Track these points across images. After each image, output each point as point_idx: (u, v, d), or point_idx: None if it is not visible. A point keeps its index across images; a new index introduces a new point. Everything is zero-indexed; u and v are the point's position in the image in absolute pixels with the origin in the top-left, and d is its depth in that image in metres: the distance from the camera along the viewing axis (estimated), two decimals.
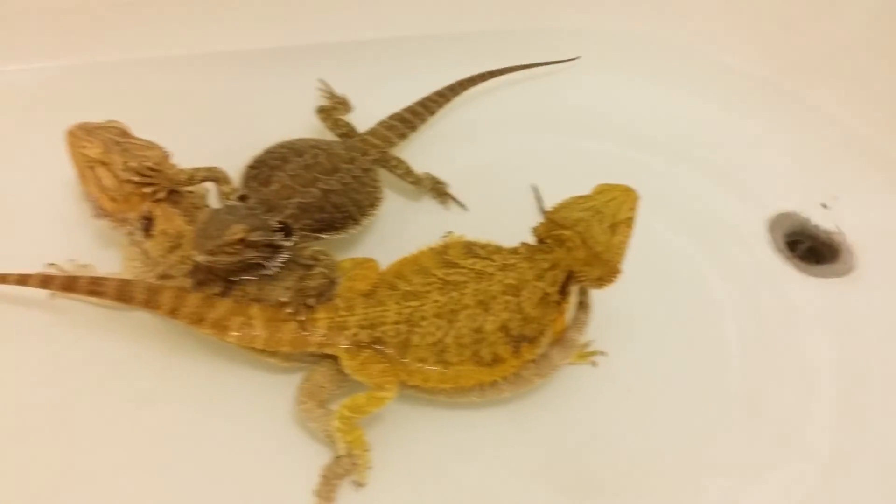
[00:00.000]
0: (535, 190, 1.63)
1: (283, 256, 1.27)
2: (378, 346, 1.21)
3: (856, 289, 1.56)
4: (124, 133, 1.31)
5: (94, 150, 1.26)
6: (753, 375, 1.41)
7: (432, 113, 1.66)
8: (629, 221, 1.28)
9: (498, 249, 1.30)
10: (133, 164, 1.26)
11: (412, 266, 1.28)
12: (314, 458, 1.22)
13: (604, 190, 1.30)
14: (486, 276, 1.24)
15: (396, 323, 1.21)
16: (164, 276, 1.29)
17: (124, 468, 1.19)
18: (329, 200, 1.36)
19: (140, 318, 1.33)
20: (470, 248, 1.30)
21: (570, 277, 1.29)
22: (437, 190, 1.60)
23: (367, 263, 1.32)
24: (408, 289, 1.24)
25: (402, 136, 1.59)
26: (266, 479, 1.21)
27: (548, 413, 1.34)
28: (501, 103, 1.81)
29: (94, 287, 1.21)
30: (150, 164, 1.27)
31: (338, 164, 1.41)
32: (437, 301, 1.22)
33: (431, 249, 1.30)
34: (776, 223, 1.66)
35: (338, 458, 1.21)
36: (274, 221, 1.26)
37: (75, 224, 1.42)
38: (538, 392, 1.34)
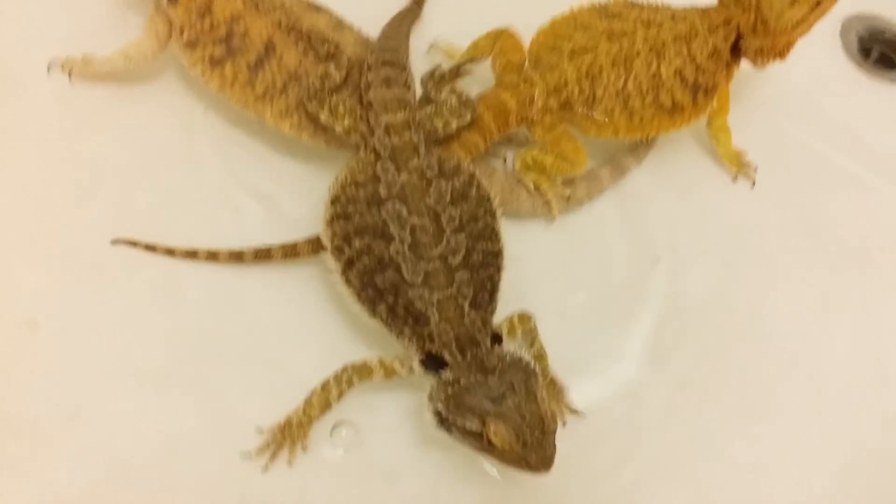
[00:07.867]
0: None
1: None
2: (567, 111, 1.16)
3: None
4: None
5: None
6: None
7: None
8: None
9: (665, 5, 1.21)
10: None
11: (569, 25, 1.19)
12: None
13: None
14: (655, 25, 1.18)
15: (578, 80, 1.15)
16: (191, 44, 1.15)
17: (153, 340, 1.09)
18: None
19: None
20: (633, 3, 1.21)
21: (738, 41, 1.21)
22: None
23: (506, 33, 1.22)
24: (572, 46, 1.16)
25: None
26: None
27: None
28: None
29: None
30: None
31: None
32: (608, 50, 1.15)
33: (590, 6, 1.21)
34: (848, 26, 1.50)
35: None
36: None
37: None
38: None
